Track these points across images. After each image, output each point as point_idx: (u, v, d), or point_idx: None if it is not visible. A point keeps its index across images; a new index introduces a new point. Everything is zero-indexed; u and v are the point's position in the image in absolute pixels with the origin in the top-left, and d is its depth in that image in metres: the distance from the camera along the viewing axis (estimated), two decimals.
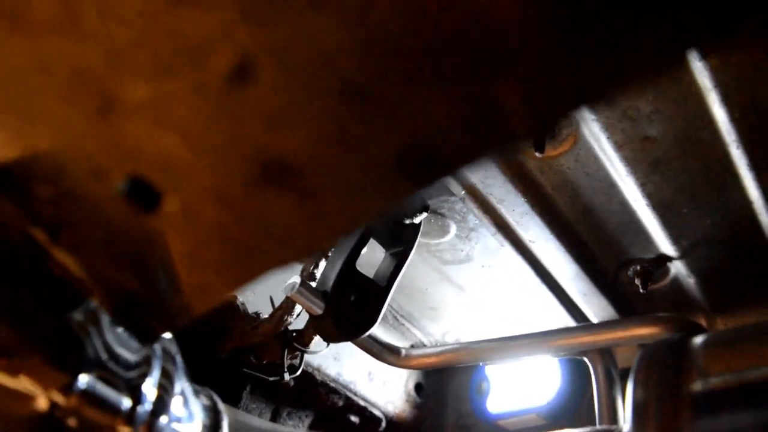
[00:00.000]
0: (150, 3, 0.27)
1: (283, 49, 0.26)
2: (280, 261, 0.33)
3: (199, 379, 0.64)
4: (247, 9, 0.26)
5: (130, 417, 0.48)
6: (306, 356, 0.98)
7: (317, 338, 0.91)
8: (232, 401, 1.01)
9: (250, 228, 0.32)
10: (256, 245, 0.33)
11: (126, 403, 0.48)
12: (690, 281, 1.01)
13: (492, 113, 0.23)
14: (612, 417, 0.86)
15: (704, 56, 0.71)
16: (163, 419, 0.51)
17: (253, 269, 0.34)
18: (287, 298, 0.85)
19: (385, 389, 1.22)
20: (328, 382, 1.10)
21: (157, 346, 0.54)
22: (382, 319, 1.21)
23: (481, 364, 0.95)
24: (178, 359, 0.57)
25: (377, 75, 0.26)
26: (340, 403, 1.13)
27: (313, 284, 0.82)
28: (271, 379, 0.91)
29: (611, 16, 0.22)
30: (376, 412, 1.20)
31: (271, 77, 0.26)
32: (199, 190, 0.32)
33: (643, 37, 0.22)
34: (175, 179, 0.32)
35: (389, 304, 1.21)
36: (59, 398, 0.46)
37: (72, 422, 0.47)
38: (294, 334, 0.90)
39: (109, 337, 0.50)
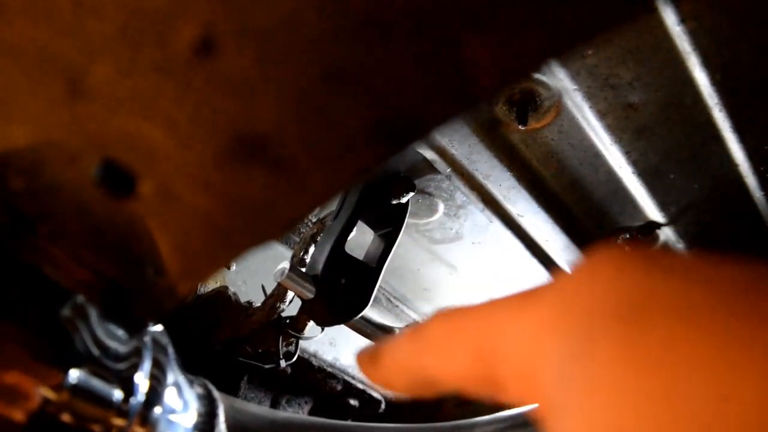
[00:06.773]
0: None
1: (244, 19, 0.25)
2: (261, 237, 0.33)
3: (196, 371, 0.64)
4: None
5: (123, 409, 0.48)
6: (302, 343, 0.98)
7: (312, 324, 0.91)
8: (231, 391, 1.01)
9: (227, 205, 0.32)
10: (235, 222, 0.32)
11: (118, 395, 0.48)
12: (679, 247, 1.01)
13: (458, 72, 0.22)
14: None
15: (682, 20, 0.71)
16: (157, 410, 0.51)
17: (235, 247, 0.34)
18: (279, 285, 0.85)
19: None
20: (325, 367, 1.10)
21: (147, 338, 0.54)
22: (377, 302, 1.22)
23: None
24: (170, 350, 0.56)
25: (346, 41, 0.25)
26: (339, 388, 1.13)
27: (304, 270, 0.82)
28: (266, 366, 0.91)
29: None
30: (375, 395, 1.20)
31: (235, 49, 0.26)
32: (174, 171, 0.31)
33: None
34: (147, 161, 0.31)
35: (383, 287, 1.21)
36: (50, 394, 0.46)
37: (66, 417, 0.47)
38: (288, 320, 0.90)
39: (99, 331, 0.50)
